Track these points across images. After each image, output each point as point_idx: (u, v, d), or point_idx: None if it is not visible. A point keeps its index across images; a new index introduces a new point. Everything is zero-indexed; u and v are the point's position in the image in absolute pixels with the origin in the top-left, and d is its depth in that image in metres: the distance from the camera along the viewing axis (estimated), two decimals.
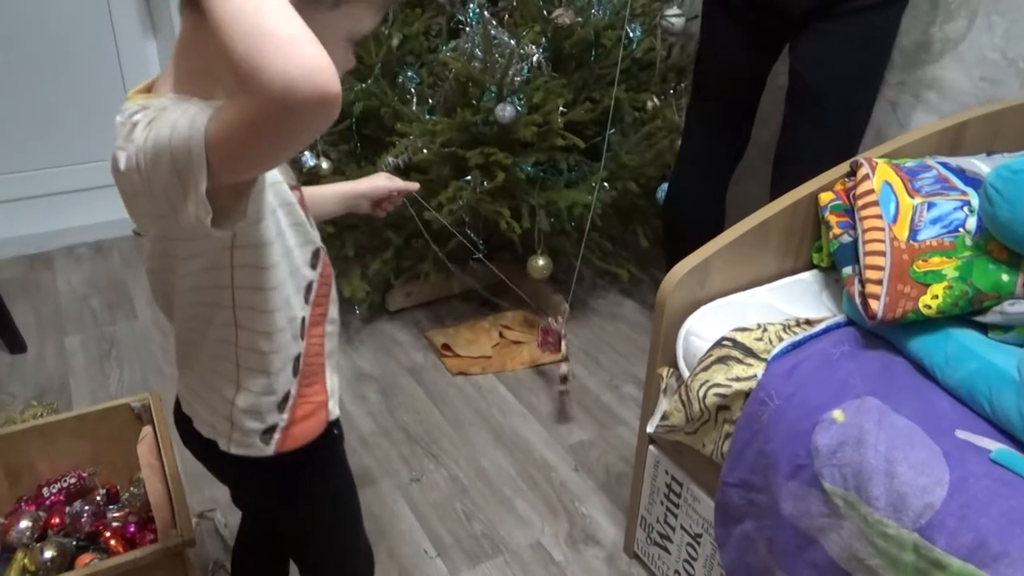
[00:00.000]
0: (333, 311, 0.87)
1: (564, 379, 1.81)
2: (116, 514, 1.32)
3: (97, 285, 2.35)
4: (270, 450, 0.83)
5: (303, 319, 0.81)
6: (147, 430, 1.33)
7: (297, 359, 0.82)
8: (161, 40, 2.65)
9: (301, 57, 0.51)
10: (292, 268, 0.78)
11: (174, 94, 0.66)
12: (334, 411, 0.88)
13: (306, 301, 0.81)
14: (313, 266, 0.81)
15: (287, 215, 0.77)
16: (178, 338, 0.83)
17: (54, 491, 1.35)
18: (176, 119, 0.59)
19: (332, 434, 0.89)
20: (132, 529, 1.29)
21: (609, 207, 1.99)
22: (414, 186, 1.10)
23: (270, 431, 0.82)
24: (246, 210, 0.66)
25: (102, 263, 2.49)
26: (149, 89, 0.70)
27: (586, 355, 2.05)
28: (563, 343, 1.81)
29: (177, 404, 0.92)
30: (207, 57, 0.66)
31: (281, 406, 0.82)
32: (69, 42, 2.50)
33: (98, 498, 1.35)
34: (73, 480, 1.36)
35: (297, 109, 0.51)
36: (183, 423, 0.90)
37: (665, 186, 1.95)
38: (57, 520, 1.30)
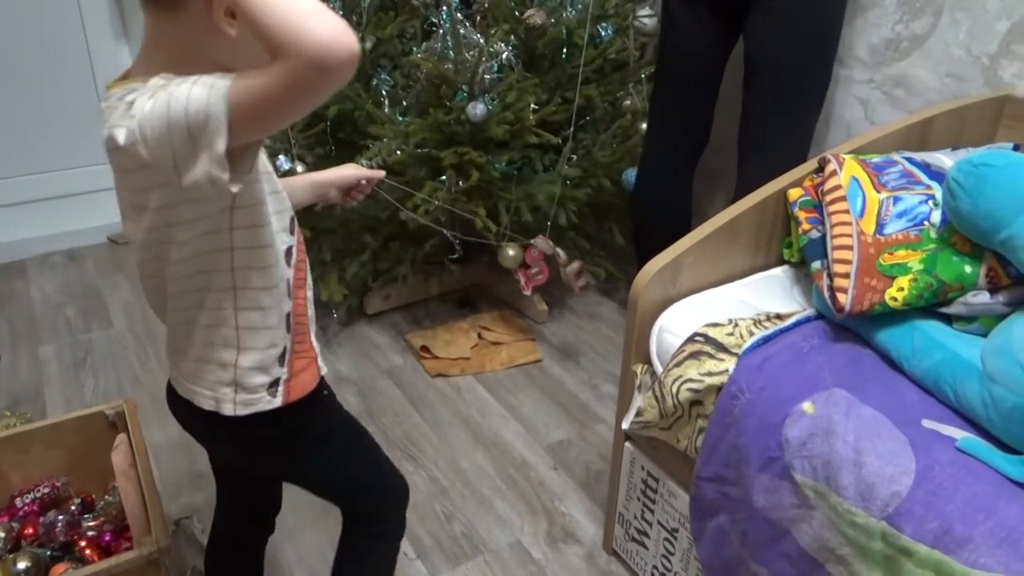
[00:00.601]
0: (310, 277, 0.93)
1: (579, 274, 1.80)
2: (91, 523, 1.31)
3: (71, 293, 2.33)
4: (277, 401, 0.88)
5: (288, 280, 0.87)
6: (121, 437, 1.32)
7: (288, 316, 0.87)
8: (134, 45, 2.63)
9: (329, 24, 0.61)
10: (277, 231, 0.83)
11: (162, 76, 0.70)
12: (323, 367, 0.95)
13: (288, 264, 0.86)
14: (291, 232, 0.87)
15: (267, 183, 0.82)
16: (171, 321, 0.86)
17: (27, 501, 1.33)
18: (189, 89, 0.65)
19: (323, 393, 0.95)
20: (107, 538, 1.28)
21: (585, 206, 2.00)
22: (379, 174, 1.13)
23: (274, 384, 0.87)
24: (251, 166, 0.73)
25: (76, 271, 2.47)
26: (124, 79, 0.75)
27: (565, 355, 2.06)
28: (556, 249, 1.79)
29: (172, 393, 0.93)
30: (182, 46, 0.73)
31: (281, 359, 0.87)
32: (41, 49, 2.48)
33: (72, 507, 1.34)
34: (47, 490, 1.34)
35: (331, 67, 0.62)
36: (182, 409, 0.92)
37: (632, 171, 1.98)
38: (31, 530, 1.29)
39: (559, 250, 1.82)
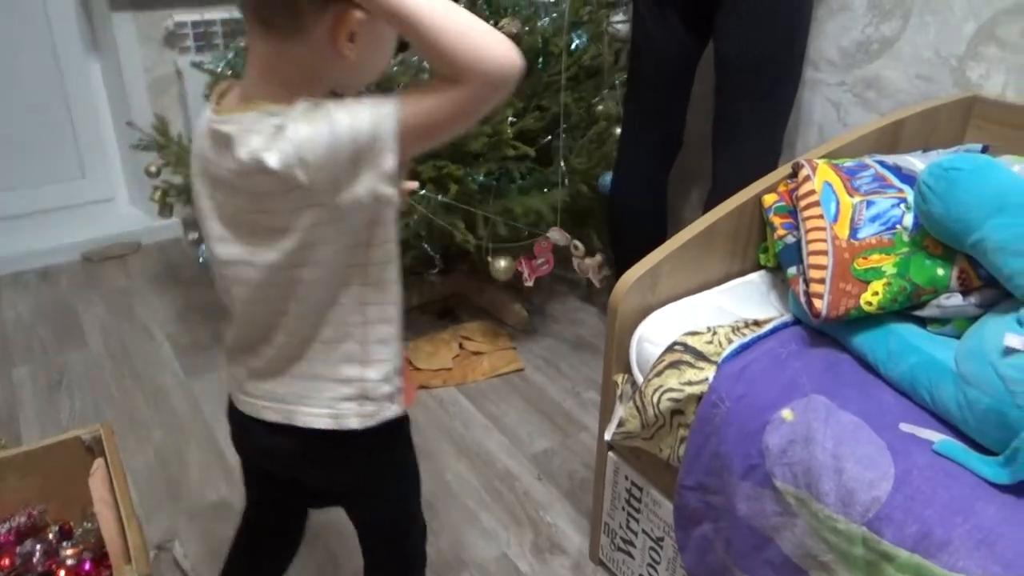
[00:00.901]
0: None
1: (601, 266, 1.82)
2: (69, 551, 1.28)
3: (45, 313, 2.29)
4: (398, 408, 0.88)
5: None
6: (99, 463, 1.30)
7: (401, 325, 0.88)
8: (104, 60, 2.60)
9: (503, 44, 0.67)
10: None
11: (298, 100, 0.72)
12: None
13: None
14: None
15: None
16: (281, 341, 0.83)
17: (3, 531, 1.30)
18: (353, 112, 0.69)
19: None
20: (87, 566, 1.26)
21: (563, 212, 2.00)
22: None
23: (394, 394, 0.88)
24: (400, 179, 0.76)
25: (49, 290, 2.43)
26: (223, 99, 0.79)
27: (546, 362, 2.06)
28: (574, 241, 1.80)
29: (246, 421, 0.90)
30: (299, 70, 0.74)
31: (399, 369, 0.88)
32: (10, 65, 2.44)
33: (50, 536, 1.32)
34: (23, 519, 1.32)
35: (507, 84, 0.68)
36: (263, 435, 0.89)
37: (608, 176, 1.99)
38: (7, 561, 1.26)
39: (576, 242, 1.83)
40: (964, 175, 1.02)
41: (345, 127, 0.69)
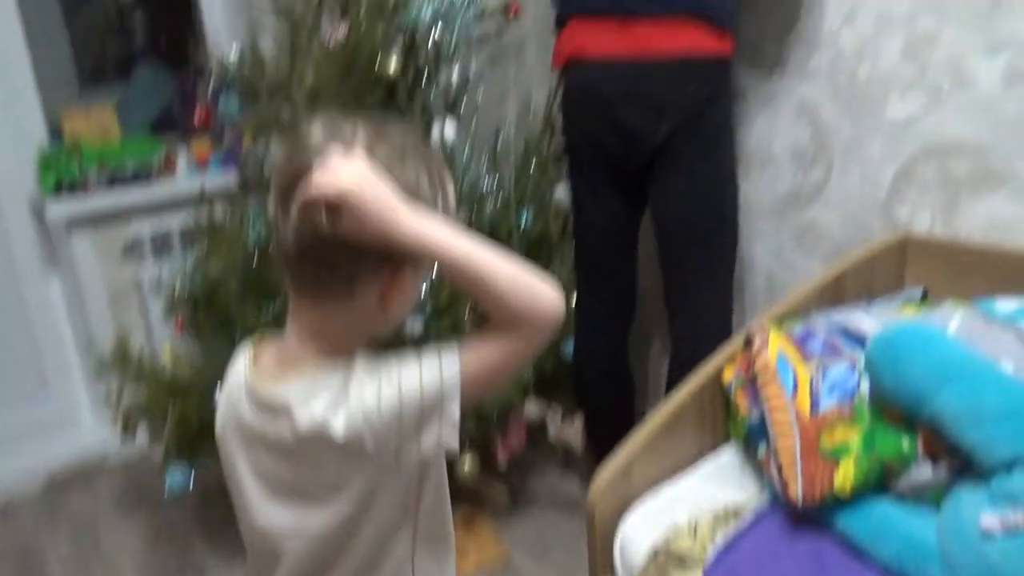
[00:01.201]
0: None
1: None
2: None
3: (6, 556, 2.17)
4: None
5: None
6: None
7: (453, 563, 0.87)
8: (63, 275, 2.60)
9: (551, 289, 0.69)
10: None
11: (331, 359, 0.73)
12: None
13: None
14: None
15: None
16: None
17: None
18: (419, 373, 0.69)
19: None
20: None
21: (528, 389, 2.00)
22: None
23: None
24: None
25: (10, 528, 2.30)
26: (255, 362, 0.78)
27: (532, 547, 1.97)
28: (549, 414, 1.74)
29: None
30: (346, 327, 0.75)
31: None
32: None
33: None
34: None
35: (554, 327, 0.70)
36: None
37: (570, 342, 1.99)
38: None
39: (552, 413, 1.81)
40: (908, 348, 1.04)
41: (413, 388, 0.69)
